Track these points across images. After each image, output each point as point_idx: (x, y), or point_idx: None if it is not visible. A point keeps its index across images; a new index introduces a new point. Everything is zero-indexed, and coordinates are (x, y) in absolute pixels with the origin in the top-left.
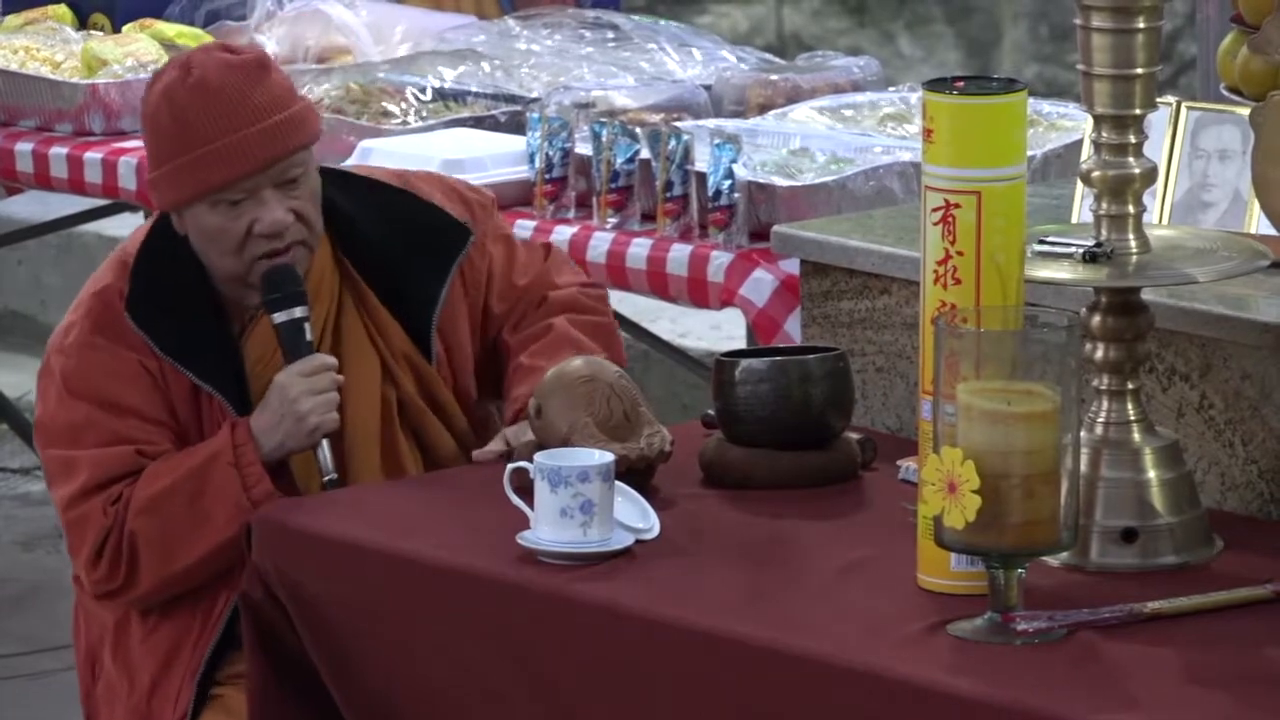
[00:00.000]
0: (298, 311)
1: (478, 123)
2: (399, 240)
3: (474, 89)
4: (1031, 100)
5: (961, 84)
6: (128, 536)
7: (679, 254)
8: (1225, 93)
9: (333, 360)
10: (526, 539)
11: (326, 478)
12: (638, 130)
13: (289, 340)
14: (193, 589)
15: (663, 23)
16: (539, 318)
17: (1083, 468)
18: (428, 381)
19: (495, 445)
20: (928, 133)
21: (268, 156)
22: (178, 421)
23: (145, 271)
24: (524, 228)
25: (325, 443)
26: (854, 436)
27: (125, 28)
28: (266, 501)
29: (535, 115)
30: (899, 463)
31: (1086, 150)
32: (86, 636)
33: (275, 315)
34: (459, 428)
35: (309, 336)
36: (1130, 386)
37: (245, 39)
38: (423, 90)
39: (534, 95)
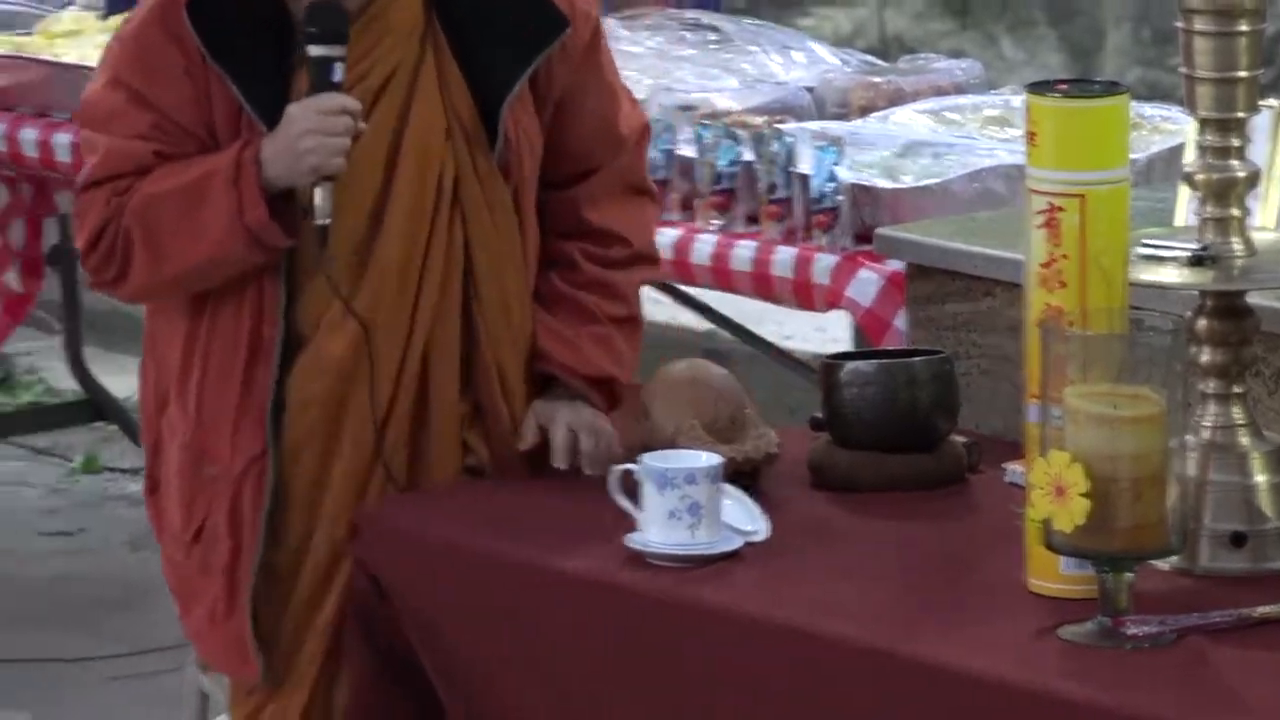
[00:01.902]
0: (335, 50)
1: None
2: (492, 10)
3: None
4: (1134, 103)
5: (1064, 87)
6: (123, 231)
7: (783, 256)
8: None
9: (354, 104)
10: (634, 541)
11: (319, 221)
12: (741, 133)
13: (317, 76)
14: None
15: (765, 25)
16: (604, 226)
17: (1190, 471)
18: (481, 164)
19: (530, 429)
20: (1031, 136)
21: None
22: (213, 137)
23: None
24: None
25: (326, 185)
26: (960, 439)
27: None
28: (259, 227)
29: None
30: (1004, 466)
31: (1190, 153)
32: (156, 383)
33: (310, 48)
34: (504, 223)
35: (338, 77)
36: (1236, 390)
37: None
38: None
39: (637, 98)
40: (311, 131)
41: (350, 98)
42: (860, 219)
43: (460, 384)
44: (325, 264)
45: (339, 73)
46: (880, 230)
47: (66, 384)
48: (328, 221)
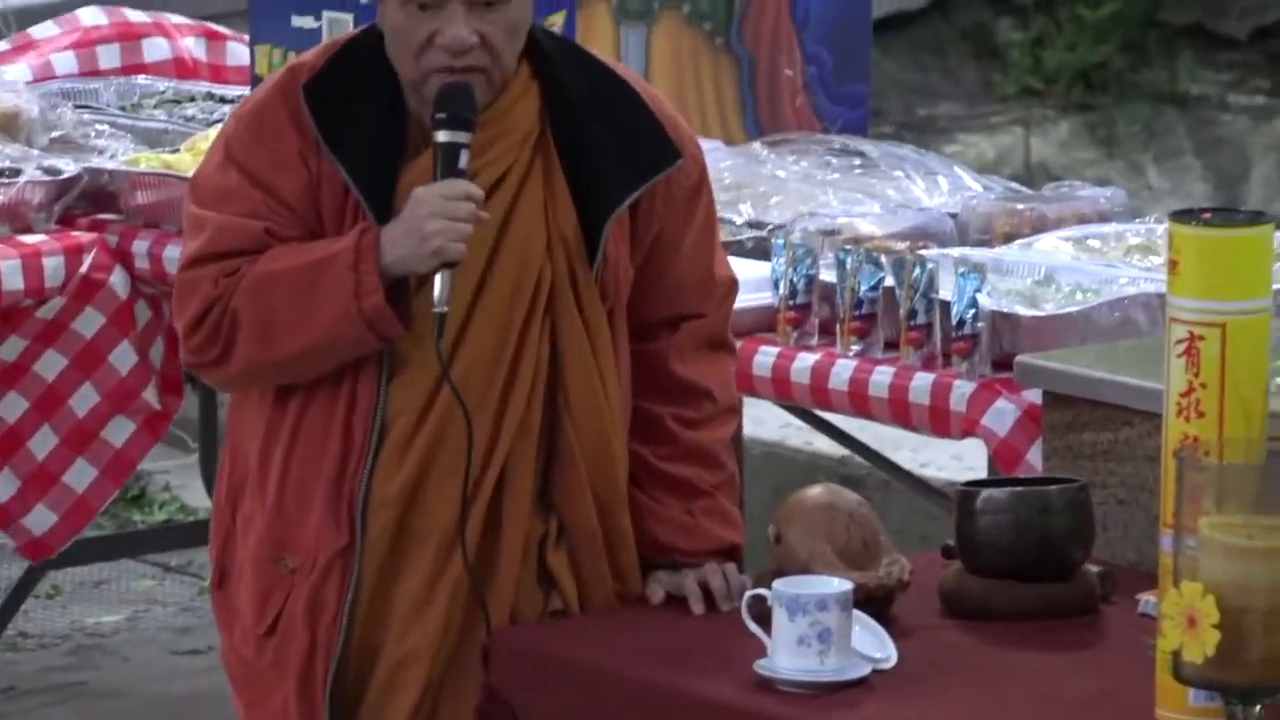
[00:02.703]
0: (461, 136)
1: (724, 248)
2: (607, 130)
3: (719, 214)
4: (1279, 233)
5: (1208, 215)
6: (231, 311)
7: (921, 382)
8: None
9: (478, 192)
10: (764, 667)
11: (437, 309)
12: (882, 258)
13: (444, 161)
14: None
15: (910, 150)
16: (690, 382)
17: None
18: (581, 277)
19: (656, 593)
20: (1173, 264)
21: None
22: (320, 222)
23: (343, 59)
24: (767, 354)
25: (446, 273)
26: (1094, 569)
27: None
28: (375, 314)
29: (780, 241)
30: (1138, 596)
31: None
32: (231, 474)
33: (438, 133)
34: (599, 342)
35: (463, 164)
36: None
37: None
38: None
39: (779, 222)
40: (437, 215)
41: (474, 185)
42: (1000, 346)
43: (539, 502)
44: (440, 353)
45: (465, 159)
46: (1021, 357)
47: (201, 502)
48: (446, 309)
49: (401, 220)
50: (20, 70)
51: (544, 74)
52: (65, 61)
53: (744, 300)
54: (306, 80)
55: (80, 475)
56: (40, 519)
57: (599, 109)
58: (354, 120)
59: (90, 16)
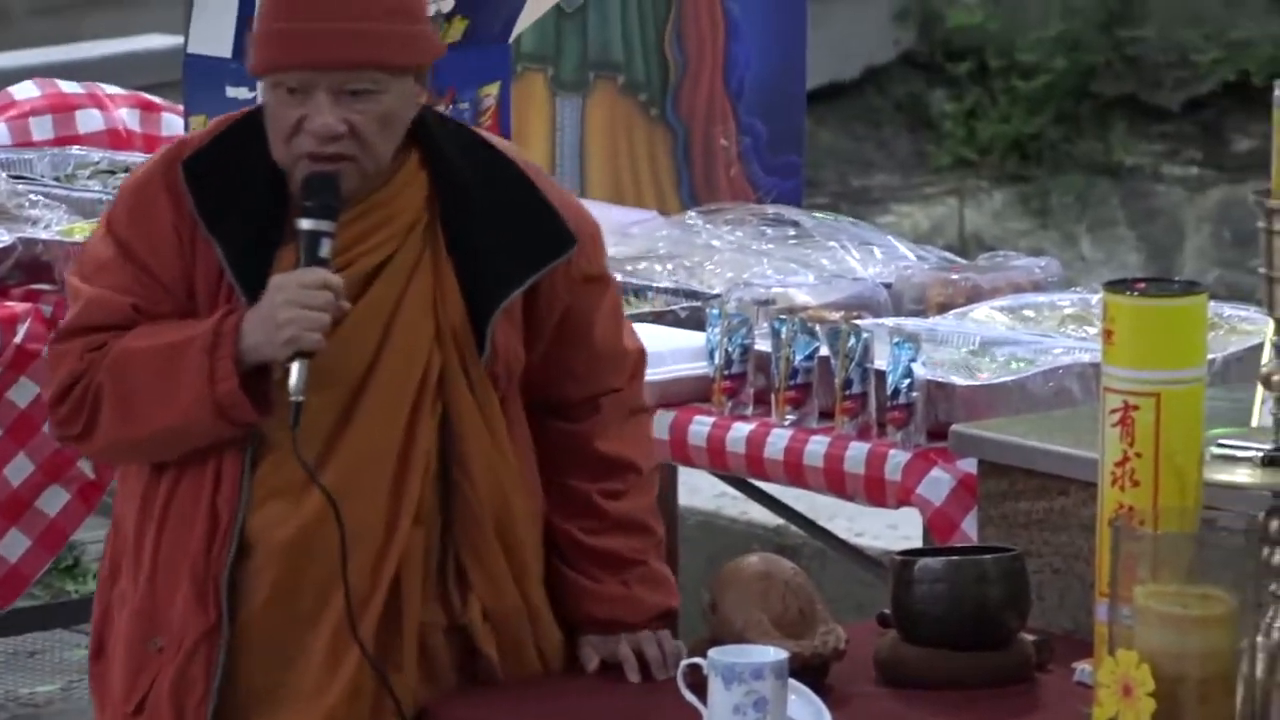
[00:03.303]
0: (325, 224)
1: (657, 318)
2: (498, 219)
3: (655, 284)
4: (1212, 303)
5: (1143, 285)
6: (94, 387)
7: (856, 452)
8: None
9: (336, 281)
10: None
11: (293, 398)
12: (817, 328)
13: (306, 249)
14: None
15: (844, 221)
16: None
17: (1259, 673)
18: (471, 366)
19: (590, 659)
20: (1108, 334)
21: (329, 59)
22: (192, 298)
23: (230, 138)
24: (702, 424)
25: (303, 362)
26: (1029, 637)
27: None
28: (228, 400)
29: (715, 311)
30: (1074, 665)
31: (1267, 354)
32: (113, 546)
33: (301, 221)
34: (495, 425)
35: (324, 253)
36: None
37: None
38: None
39: (715, 291)
40: (291, 303)
41: (332, 274)
42: (935, 416)
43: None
44: (296, 442)
45: (326, 248)
46: (956, 426)
47: None
48: (301, 399)
49: (259, 307)
50: None
51: (433, 161)
52: None
53: (679, 369)
54: (188, 156)
55: (13, 545)
56: None
57: (490, 197)
58: (234, 200)
59: (23, 90)
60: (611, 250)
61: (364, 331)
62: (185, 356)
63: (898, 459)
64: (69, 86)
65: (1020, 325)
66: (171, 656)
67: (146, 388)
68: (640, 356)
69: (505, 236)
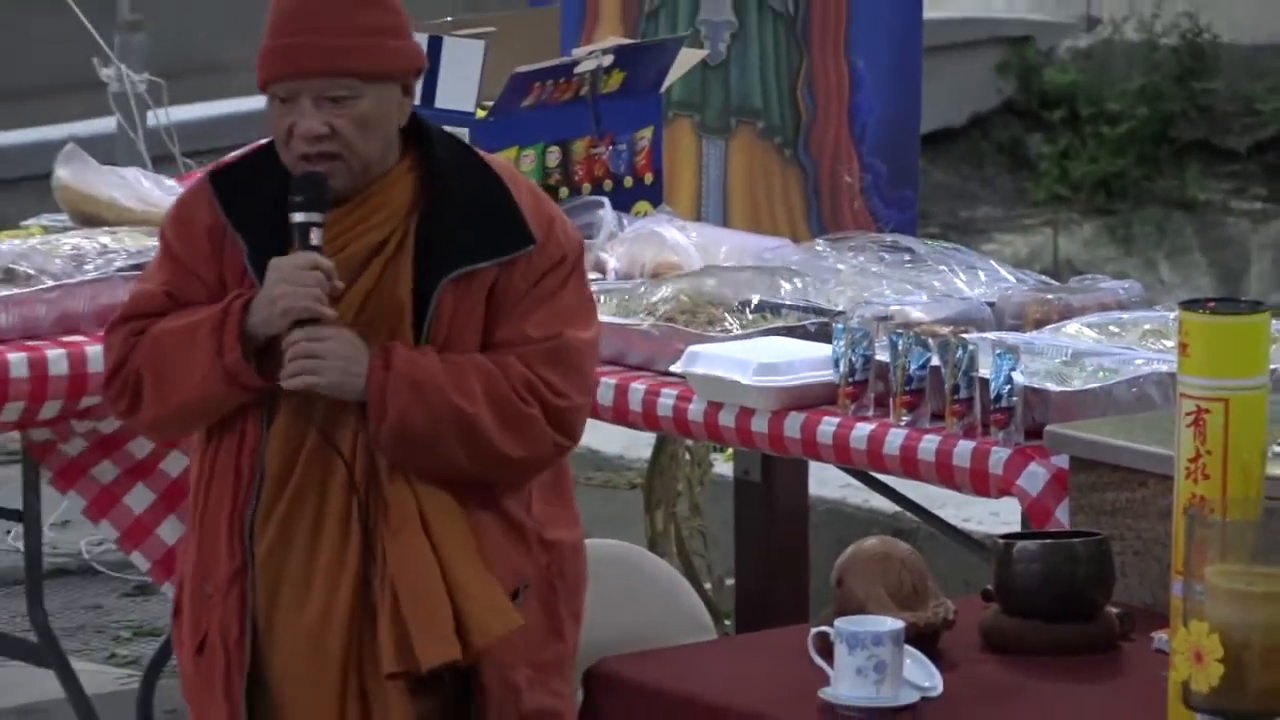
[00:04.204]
0: (314, 216)
1: (790, 332)
2: (467, 214)
3: (787, 302)
4: (1275, 321)
5: (1213, 304)
6: (134, 368)
7: (964, 449)
8: None
9: (328, 263)
10: (826, 694)
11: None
12: (930, 341)
13: (299, 238)
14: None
15: (953, 248)
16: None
17: None
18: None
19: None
20: (1183, 347)
21: (309, 69)
22: (224, 287)
23: (254, 155)
24: (829, 424)
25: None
26: (1114, 610)
27: None
28: (235, 368)
29: (840, 326)
30: (1153, 634)
31: None
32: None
33: (293, 214)
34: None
35: (314, 241)
36: None
37: (591, 256)
38: (744, 302)
39: (840, 309)
40: (283, 280)
41: (322, 256)
42: (1032, 418)
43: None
44: (278, 387)
45: (316, 237)
46: (1050, 427)
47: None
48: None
49: (261, 290)
50: None
51: (424, 165)
52: None
53: (809, 376)
54: (214, 170)
55: (171, 530)
56: None
57: (465, 196)
58: (254, 204)
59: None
60: (749, 274)
61: (347, 301)
62: (199, 335)
63: (999, 455)
64: None
65: (1106, 339)
66: (219, 600)
67: (172, 365)
68: (583, 343)
69: (468, 229)
